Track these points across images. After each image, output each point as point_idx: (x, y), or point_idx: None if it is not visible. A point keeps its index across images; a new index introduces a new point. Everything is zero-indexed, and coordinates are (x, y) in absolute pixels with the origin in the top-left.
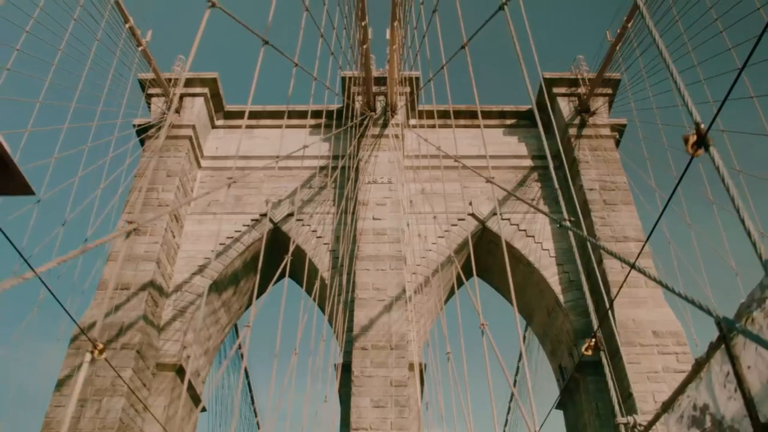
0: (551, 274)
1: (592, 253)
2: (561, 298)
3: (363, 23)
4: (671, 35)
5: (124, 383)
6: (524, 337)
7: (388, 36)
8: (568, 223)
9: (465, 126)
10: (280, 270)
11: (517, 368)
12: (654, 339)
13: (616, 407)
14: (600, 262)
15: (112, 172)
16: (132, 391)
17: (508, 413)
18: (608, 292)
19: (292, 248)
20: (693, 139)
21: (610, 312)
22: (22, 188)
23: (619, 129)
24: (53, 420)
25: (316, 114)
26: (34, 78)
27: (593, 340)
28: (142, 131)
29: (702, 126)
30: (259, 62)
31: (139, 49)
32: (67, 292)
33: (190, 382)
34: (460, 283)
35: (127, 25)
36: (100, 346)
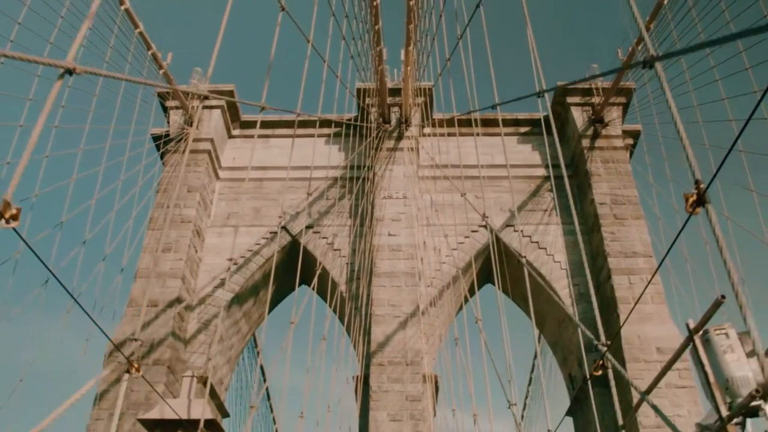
0: (562, 287)
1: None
2: (571, 310)
3: (378, 48)
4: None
5: (160, 397)
6: (538, 339)
7: (402, 57)
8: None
9: (479, 134)
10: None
11: (530, 379)
12: (657, 355)
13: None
14: (608, 277)
15: (133, 189)
16: (167, 404)
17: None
18: (615, 308)
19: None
20: (692, 198)
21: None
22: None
23: (634, 134)
24: None
25: (332, 124)
26: (75, 128)
27: (601, 360)
28: (162, 144)
29: (701, 185)
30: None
31: (161, 72)
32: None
33: (214, 390)
34: (472, 293)
35: (149, 52)
36: (137, 365)
